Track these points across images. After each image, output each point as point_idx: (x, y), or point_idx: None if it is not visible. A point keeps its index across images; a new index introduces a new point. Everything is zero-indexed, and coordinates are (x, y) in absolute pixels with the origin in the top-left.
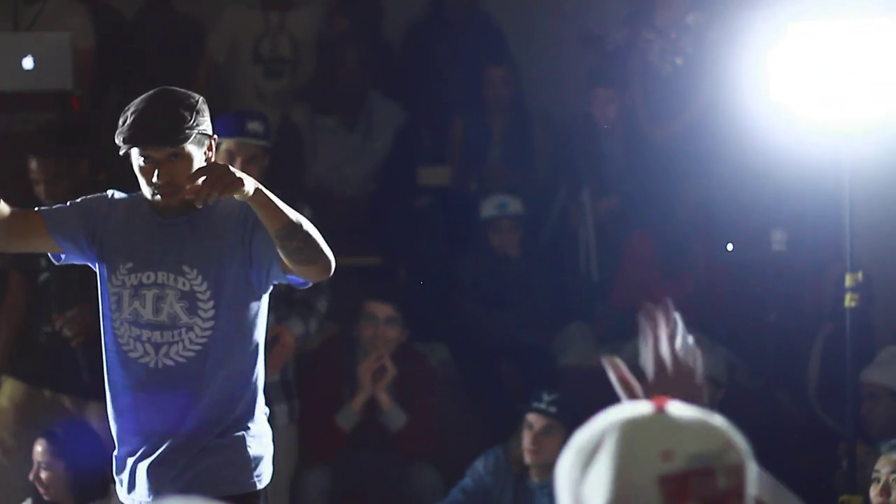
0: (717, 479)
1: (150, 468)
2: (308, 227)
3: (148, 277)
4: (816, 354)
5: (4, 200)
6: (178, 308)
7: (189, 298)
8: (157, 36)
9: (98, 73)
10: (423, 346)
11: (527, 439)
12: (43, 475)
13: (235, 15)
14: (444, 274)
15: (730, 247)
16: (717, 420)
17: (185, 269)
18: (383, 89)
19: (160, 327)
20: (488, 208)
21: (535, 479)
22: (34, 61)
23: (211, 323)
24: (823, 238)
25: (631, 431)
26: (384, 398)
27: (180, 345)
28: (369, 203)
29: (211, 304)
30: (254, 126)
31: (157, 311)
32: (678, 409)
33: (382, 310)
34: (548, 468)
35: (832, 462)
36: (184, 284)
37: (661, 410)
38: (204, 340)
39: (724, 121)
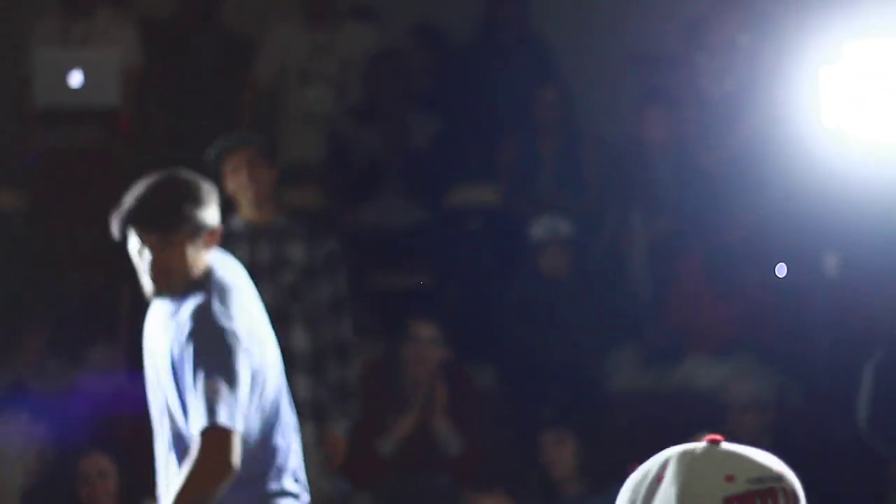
0: (778, 499)
1: None
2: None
3: None
4: (868, 379)
5: (46, 216)
6: None
7: None
8: (206, 54)
9: (145, 91)
10: (470, 367)
11: None
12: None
13: (283, 34)
14: (493, 295)
15: (782, 270)
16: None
17: None
18: (430, 108)
19: None
20: (538, 230)
21: None
22: (82, 77)
23: None
24: (877, 262)
25: (692, 460)
26: (441, 422)
27: None
28: (418, 223)
29: None
30: (240, 135)
31: None
32: (731, 444)
33: (425, 329)
34: None
35: (881, 487)
36: None
37: (716, 444)
38: None
39: (777, 142)
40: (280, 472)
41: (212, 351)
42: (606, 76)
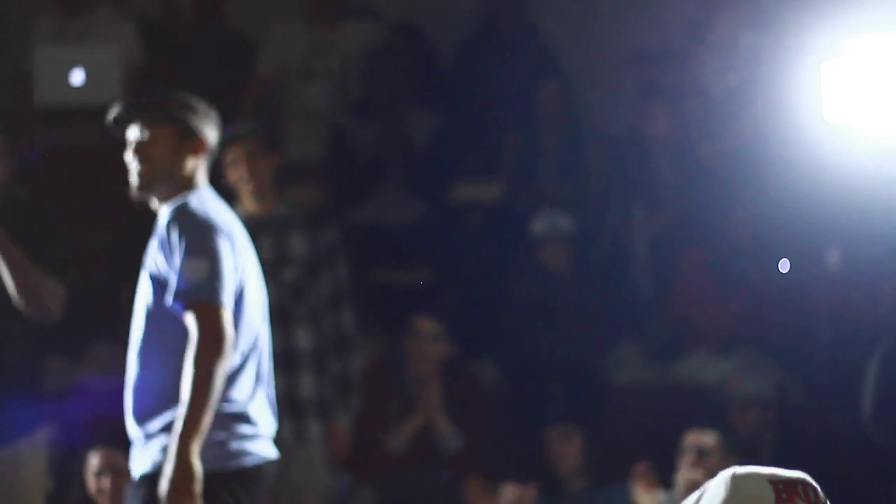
0: (818, 494)
1: None
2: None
3: None
4: (871, 374)
5: (46, 214)
6: None
7: None
8: (207, 52)
9: (145, 90)
10: (472, 363)
11: None
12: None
13: (284, 32)
14: (495, 291)
15: (785, 266)
16: None
17: None
18: (431, 104)
19: None
20: (539, 225)
21: None
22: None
23: None
24: (879, 257)
25: (736, 470)
26: (441, 420)
27: None
28: (419, 219)
29: None
30: (240, 126)
31: None
32: None
33: (427, 325)
34: None
35: (886, 482)
36: None
37: None
38: None
39: (778, 138)
40: (253, 403)
41: (191, 235)
42: (608, 71)
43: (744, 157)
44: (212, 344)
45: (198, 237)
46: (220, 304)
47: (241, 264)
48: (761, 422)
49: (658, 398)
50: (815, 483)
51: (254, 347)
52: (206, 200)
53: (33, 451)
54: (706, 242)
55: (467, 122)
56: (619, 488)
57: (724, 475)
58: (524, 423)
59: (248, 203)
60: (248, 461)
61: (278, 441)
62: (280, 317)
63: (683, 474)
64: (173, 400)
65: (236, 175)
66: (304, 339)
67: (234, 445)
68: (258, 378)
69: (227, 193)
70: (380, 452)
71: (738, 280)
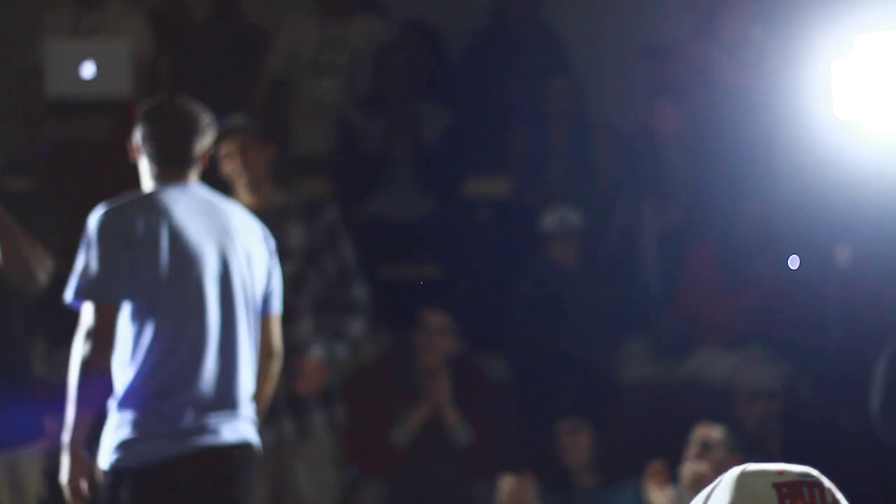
0: (825, 493)
1: None
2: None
3: None
4: (880, 372)
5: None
6: None
7: None
8: (218, 46)
9: (156, 82)
10: (481, 359)
11: None
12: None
13: (295, 26)
14: (504, 286)
15: (794, 262)
16: None
17: None
18: (441, 100)
19: None
20: (549, 221)
21: None
22: (94, 68)
23: None
24: (889, 253)
25: (745, 468)
26: (451, 413)
27: None
28: (428, 214)
29: None
30: (234, 120)
31: None
32: None
33: (437, 319)
34: None
35: (892, 478)
36: None
37: None
38: None
39: (789, 134)
40: (166, 392)
41: (84, 238)
42: (618, 67)
43: (754, 154)
44: (84, 340)
45: (85, 239)
46: (98, 301)
47: (149, 260)
48: (767, 414)
49: (666, 394)
50: (825, 482)
51: (177, 340)
52: (123, 200)
53: (28, 457)
54: (715, 239)
55: (477, 118)
56: (629, 485)
57: (733, 473)
58: (532, 417)
59: (244, 196)
60: (156, 458)
61: (280, 435)
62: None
63: (688, 467)
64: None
65: (230, 168)
66: (305, 331)
67: (143, 444)
68: (181, 373)
69: (223, 186)
70: (388, 446)
71: (747, 276)
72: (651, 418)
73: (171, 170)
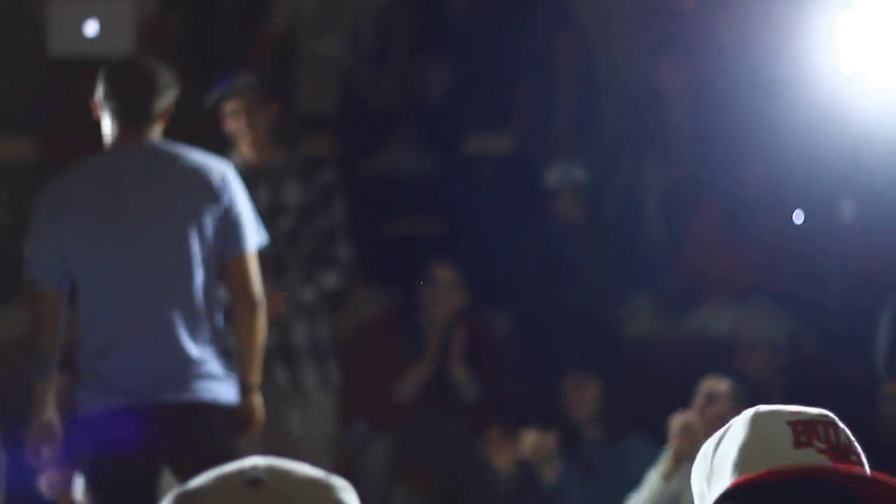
0: (839, 432)
1: None
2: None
3: None
4: (884, 326)
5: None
6: None
7: None
8: (221, 4)
9: (159, 41)
10: (486, 314)
11: None
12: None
13: None
14: (508, 242)
15: (799, 217)
16: None
17: None
18: (445, 56)
19: None
20: (553, 176)
21: None
22: (97, 27)
23: None
24: (893, 207)
25: (758, 409)
26: (459, 369)
27: None
28: (431, 170)
29: None
30: (240, 79)
31: None
32: None
33: (444, 274)
34: None
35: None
36: None
37: None
38: None
39: (793, 88)
40: (102, 352)
41: None
42: (623, 23)
43: (758, 109)
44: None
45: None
46: (30, 279)
47: (80, 234)
48: (772, 368)
49: (671, 348)
50: (839, 422)
51: (102, 307)
52: (66, 172)
53: None
54: (720, 194)
55: (481, 74)
56: (637, 441)
57: (746, 414)
58: (537, 372)
59: (247, 153)
60: (89, 411)
61: (274, 385)
62: (275, 266)
63: (677, 417)
64: None
65: (235, 126)
66: (297, 286)
67: (81, 395)
68: (113, 335)
69: (226, 142)
70: (394, 402)
71: (752, 231)
72: (656, 372)
73: (130, 129)
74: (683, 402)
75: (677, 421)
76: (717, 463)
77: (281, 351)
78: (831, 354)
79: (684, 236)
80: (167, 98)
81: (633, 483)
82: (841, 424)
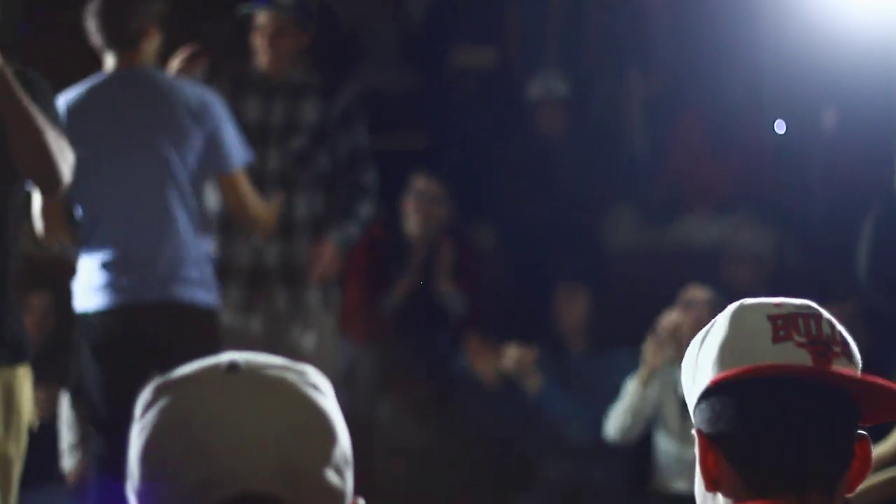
0: (822, 324)
1: None
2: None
3: None
4: (866, 234)
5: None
6: None
7: None
8: None
9: None
10: (469, 226)
11: None
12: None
13: None
14: (490, 154)
15: (781, 126)
16: None
17: None
18: None
19: None
20: (535, 89)
21: None
22: None
23: None
24: (875, 117)
25: (742, 302)
26: (445, 282)
27: None
28: (414, 85)
29: None
30: (277, 2)
31: None
32: None
33: (429, 186)
34: None
35: (881, 342)
36: None
37: None
38: None
39: None
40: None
41: None
42: None
43: (740, 18)
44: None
45: None
46: None
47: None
48: (756, 278)
49: (654, 259)
50: (823, 312)
51: (98, 214)
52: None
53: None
54: (702, 104)
55: None
56: (620, 352)
57: (730, 308)
58: (521, 284)
59: (263, 65)
60: (88, 308)
61: (274, 306)
62: (283, 183)
63: (665, 316)
64: None
65: (259, 42)
66: (302, 206)
67: (81, 293)
68: (106, 239)
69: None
70: (382, 319)
71: (734, 141)
72: (639, 283)
73: (114, 52)
74: (666, 312)
75: (666, 319)
76: (701, 360)
77: (284, 270)
78: (815, 264)
79: (667, 147)
80: (143, 18)
81: (616, 395)
82: (826, 315)
